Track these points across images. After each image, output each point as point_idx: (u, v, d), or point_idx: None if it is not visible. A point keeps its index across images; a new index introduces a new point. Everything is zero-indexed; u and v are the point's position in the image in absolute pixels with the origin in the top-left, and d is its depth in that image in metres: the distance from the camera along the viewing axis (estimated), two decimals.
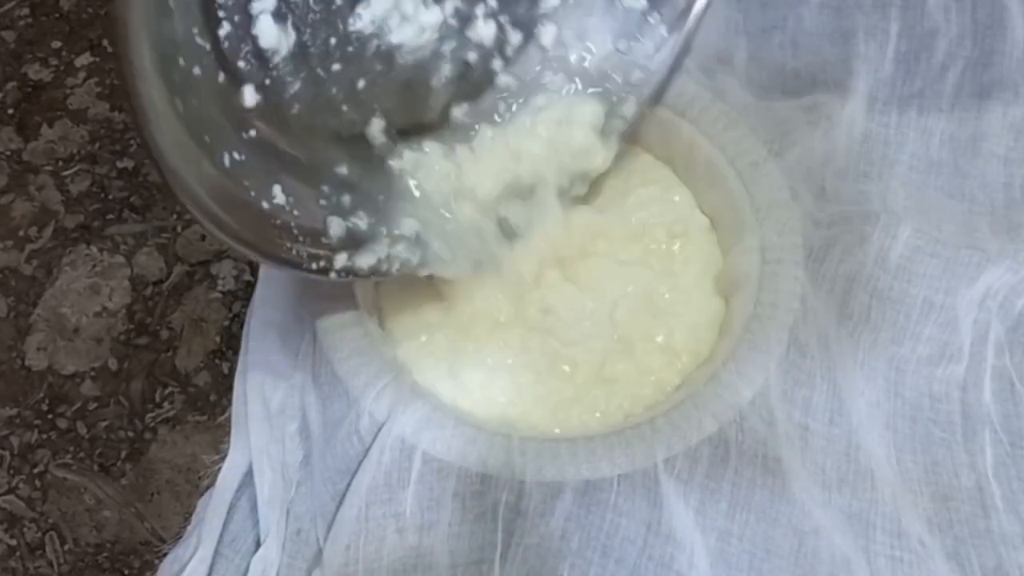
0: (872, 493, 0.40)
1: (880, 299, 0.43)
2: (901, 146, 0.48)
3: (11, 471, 0.43)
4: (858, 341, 0.42)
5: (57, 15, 0.53)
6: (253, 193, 0.35)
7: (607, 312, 0.44)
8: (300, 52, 0.37)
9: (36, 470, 0.43)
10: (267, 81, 0.36)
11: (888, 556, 0.40)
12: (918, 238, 0.44)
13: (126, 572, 0.42)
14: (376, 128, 0.40)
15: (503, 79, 0.43)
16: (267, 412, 0.42)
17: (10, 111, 0.51)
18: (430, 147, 0.42)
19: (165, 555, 0.41)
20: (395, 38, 0.40)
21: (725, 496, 0.40)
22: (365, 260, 0.39)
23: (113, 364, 0.45)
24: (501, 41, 0.43)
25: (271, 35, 0.36)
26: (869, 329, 0.42)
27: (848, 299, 0.43)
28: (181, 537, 0.42)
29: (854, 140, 0.47)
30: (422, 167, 0.41)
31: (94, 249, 0.47)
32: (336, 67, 0.39)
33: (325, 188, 0.38)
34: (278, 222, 0.36)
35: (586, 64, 0.44)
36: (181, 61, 0.33)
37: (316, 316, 0.43)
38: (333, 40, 0.38)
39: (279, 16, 0.36)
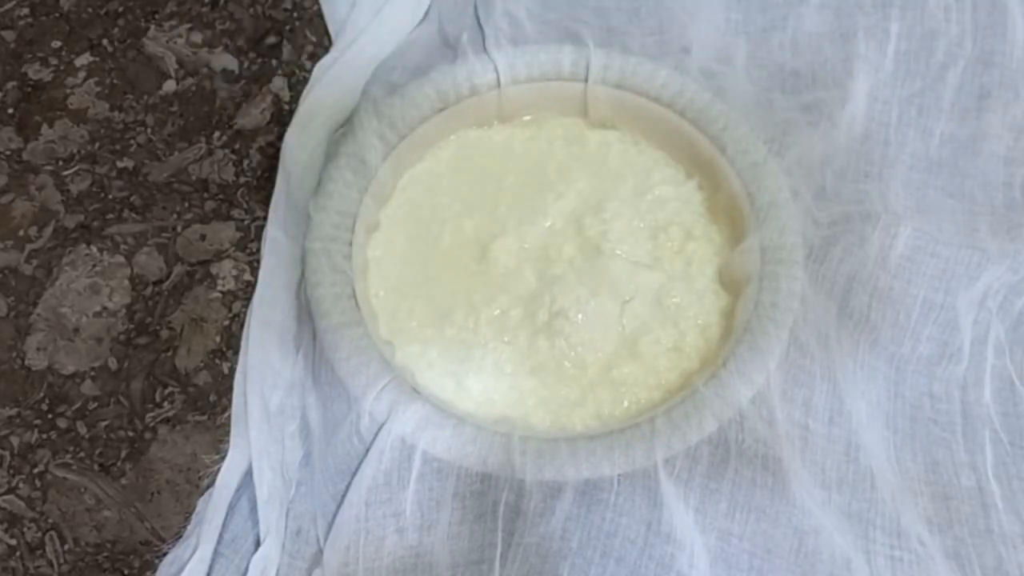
0: (872, 493, 0.40)
1: (880, 299, 0.43)
2: (901, 146, 0.48)
3: (11, 471, 0.43)
4: (858, 341, 0.42)
5: (57, 15, 0.53)
6: None
7: (617, 313, 0.44)
8: None
9: (36, 470, 0.43)
10: None
11: (888, 556, 0.40)
12: (918, 238, 0.44)
13: (126, 572, 0.42)
14: None
15: None
16: (267, 412, 0.42)
17: (10, 111, 0.51)
18: None
19: (165, 555, 0.41)
20: None
21: (725, 496, 0.40)
22: None
23: (113, 364, 0.45)
24: None
25: None
26: (869, 329, 0.42)
27: (848, 299, 0.43)
28: (181, 537, 0.42)
29: (854, 140, 0.47)
30: None
31: (94, 249, 0.47)
32: None
33: None
34: None
35: None
36: None
37: (317, 317, 0.43)
38: None
39: None
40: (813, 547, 0.39)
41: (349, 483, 0.40)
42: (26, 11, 0.54)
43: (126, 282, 0.47)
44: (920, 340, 0.43)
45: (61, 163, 0.50)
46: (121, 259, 0.48)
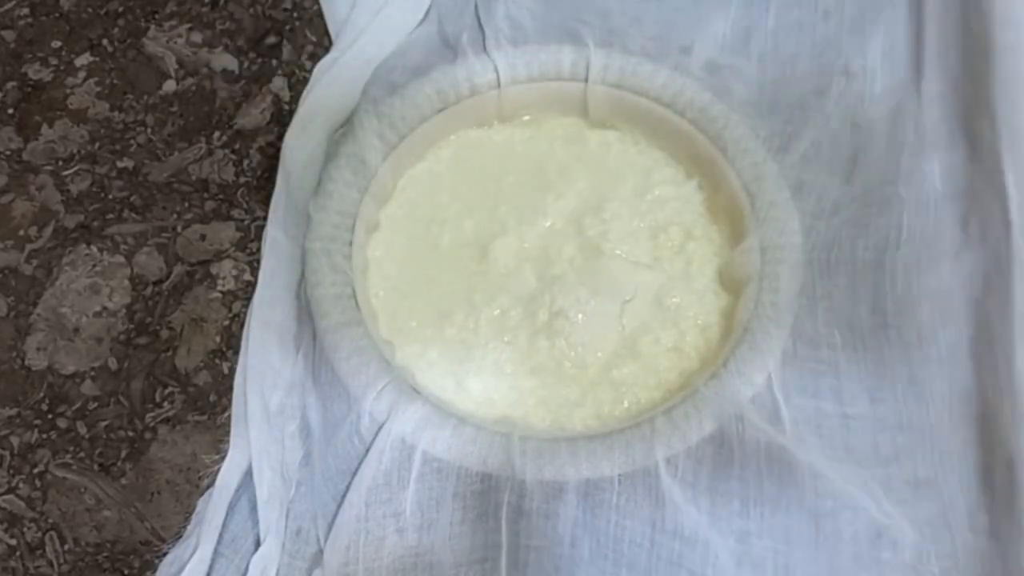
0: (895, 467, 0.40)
1: (896, 289, 0.42)
2: (905, 130, 0.47)
3: (11, 471, 0.43)
4: (889, 327, 0.42)
5: (57, 15, 0.53)
6: None
7: (617, 313, 0.44)
8: None
9: (36, 470, 0.43)
10: None
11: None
12: (912, 223, 0.44)
13: (126, 572, 0.42)
14: None
15: None
16: (267, 412, 0.42)
17: (10, 111, 0.51)
18: None
19: (165, 555, 0.41)
20: None
21: (736, 495, 0.40)
22: None
23: (113, 364, 0.45)
24: None
25: None
26: (895, 318, 0.42)
27: (872, 283, 0.43)
28: (181, 537, 0.42)
29: (866, 121, 0.47)
30: None
31: (94, 249, 0.47)
32: None
33: None
34: None
35: None
36: None
37: (317, 317, 0.43)
38: None
39: None
40: (832, 529, 0.39)
41: (349, 483, 0.40)
42: (26, 11, 0.54)
43: (126, 282, 0.47)
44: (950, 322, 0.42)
45: (61, 163, 0.50)
46: (121, 259, 0.48)
